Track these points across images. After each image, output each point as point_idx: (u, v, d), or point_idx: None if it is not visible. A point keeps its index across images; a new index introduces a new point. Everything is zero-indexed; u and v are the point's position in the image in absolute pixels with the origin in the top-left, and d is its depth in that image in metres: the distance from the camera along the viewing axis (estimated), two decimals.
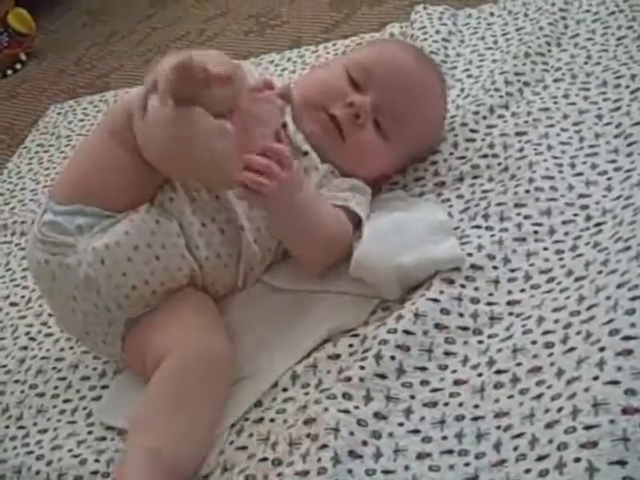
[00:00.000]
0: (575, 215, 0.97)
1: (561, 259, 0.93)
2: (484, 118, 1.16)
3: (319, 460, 0.77)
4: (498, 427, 0.77)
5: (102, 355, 1.03)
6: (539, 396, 0.77)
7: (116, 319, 0.94)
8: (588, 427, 0.70)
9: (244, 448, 0.86)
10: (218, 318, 0.96)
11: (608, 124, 1.10)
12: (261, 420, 0.87)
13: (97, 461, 0.90)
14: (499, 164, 1.08)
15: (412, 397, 0.84)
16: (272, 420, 0.87)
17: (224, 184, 0.90)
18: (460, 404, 0.81)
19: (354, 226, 1.00)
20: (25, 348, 1.10)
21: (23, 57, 2.08)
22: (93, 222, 0.93)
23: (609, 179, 1.01)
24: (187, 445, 0.85)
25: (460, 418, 0.80)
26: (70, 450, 0.93)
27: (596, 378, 0.73)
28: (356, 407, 0.82)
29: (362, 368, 0.85)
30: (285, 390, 0.90)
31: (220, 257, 0.97)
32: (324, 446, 0.78)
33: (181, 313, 0.93)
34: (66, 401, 1.01)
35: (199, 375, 0.87)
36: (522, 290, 0.91)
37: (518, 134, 1.11)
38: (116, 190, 0.94)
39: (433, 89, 1.10)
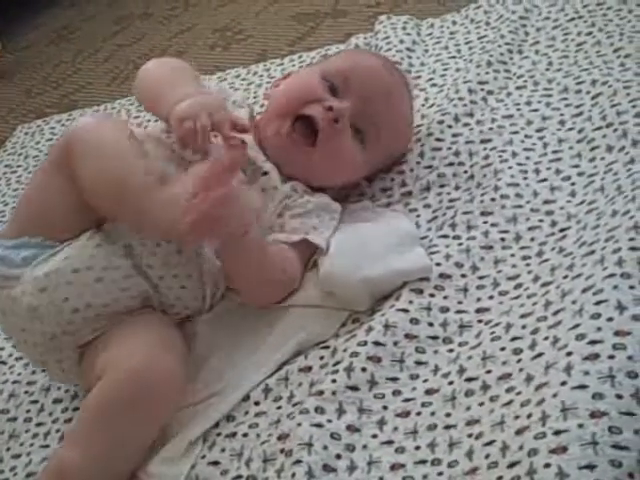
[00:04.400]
0: (540, 221, 0.98)
1: (528, 265, 0.94)
2: (449, 127, 1.17)
3: (293, 475, 0.77)
4: (470, 435, 0.78)
5: (66, 383, 1.02)
6: (509, 403, 0.78)
7: (65, 346, 0.93)
8: (557, 432, 0.70)
9: (216, 463, 0.85)
10: (170, 340, 0.93)
11: (570, 129, 1.11)
12: (234, 435, 0.87)
13: None
14: (465, 172, 1.09)
15: (385, 408, 0.84)
16: (245, 435, 0.87)
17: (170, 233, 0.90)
18: (432, 413, 0.82)
19: (312, 253, 0.99)
20: None
21: None
22: (37, 253, 0.93)
23: (573, 184, 1.02)
24: (98, 465, 0.85)
25: (432, 427, 0.80)
26: None
27: (564, 383, 0.74)
28: (329, 420, 0.82)
29: (334, 381, 0.85)
30: (257, 404, 0.90)
31: (177, 277, 0.95)
32: (298, 461, 0.78)
33: (127, 334, 0.92)
34: (39, 424, 1.00)
35: (127, 398, 0.86)
36: (490, 297, 0.92)
37: (483, 141, 1.12)
38: (58, 220, 0.94)
39: (404, 94, 1.12)
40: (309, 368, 0.91)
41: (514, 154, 1.09)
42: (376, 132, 1.05)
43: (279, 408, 0.88)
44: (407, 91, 1.13)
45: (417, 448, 0.79)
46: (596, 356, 0.75)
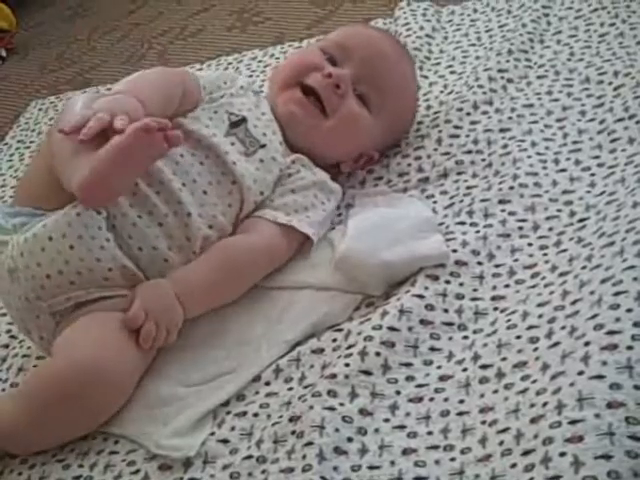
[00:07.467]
0: (559, 211, 0.97)
1: (545, 254, 0.93)
2: (468, 114, 1.16)
3: (304, 457, 0.77)
4: (483, 422, 0.77)
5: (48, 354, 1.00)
6: (524, 391, 0.77)
7: (41, 311, 0.94)
8: (573, 422, 0.70)
9: (226, 441, 0.84)
10: (128, 340, 0.90)
11: (591, 120, 1.10)
12: (244, 414, 0.86)
13: (81, 466, 0.88)
14: (483, 160, 1.08)
15: (397, 393, 0.84)
16: (255, 415, 0.86)
17: None
18: (445, 399, 0.81)
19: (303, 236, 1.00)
20: (6, 346, 1.08)
21: (4, 53, 2.06)
22: (26, 221, 0.96)
23: (592, 175, 1.01)
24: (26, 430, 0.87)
25: (445, 413, 0.80)
26: (54, 455, 0.90)
27: (581, 373, 0.73)
28: (341, 404, 0.82)
29: (347, 365, 0.85)
30: (268, 384, 0.89)
31: (157, 249, 0.95)
32: (309, 443, 0.78)
33: (91, 321, 0.91)
34: None
35: (59, 386, 0.85)
36: (507, 285, 0.91)
37: (502, 130, 1.11)
38: (45, 190, 0.96)
39: (403, 57, 1.15)
40: (321, 350, 0.90)
41: (533, 144, 1.08)
42: (380, 96, 1.08)
43: (290, 389, 0.88)
44: (406, 56, 1.16)
45: (429, 433, 0.79)
46: (614, 346, 0.74)
